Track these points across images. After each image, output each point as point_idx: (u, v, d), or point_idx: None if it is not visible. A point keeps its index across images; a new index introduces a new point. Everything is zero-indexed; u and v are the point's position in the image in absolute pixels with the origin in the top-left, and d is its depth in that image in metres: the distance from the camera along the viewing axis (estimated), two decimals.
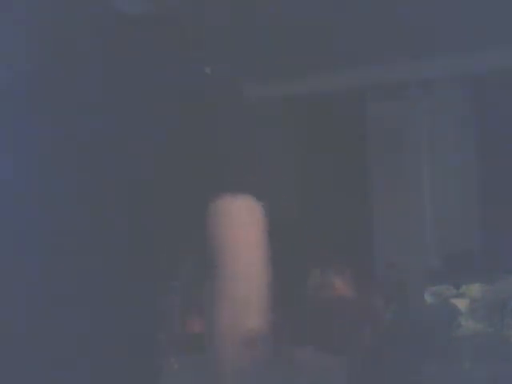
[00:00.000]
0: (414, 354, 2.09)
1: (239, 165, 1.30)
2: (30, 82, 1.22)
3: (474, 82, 3.91)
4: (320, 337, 2.36)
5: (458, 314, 2.16)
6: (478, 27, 3.42)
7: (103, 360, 1.14)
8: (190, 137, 1.30)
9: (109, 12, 1.35)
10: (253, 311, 1.22)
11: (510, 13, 3.13)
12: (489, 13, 3.21)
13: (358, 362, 2.16)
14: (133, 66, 1.39)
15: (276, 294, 1.26)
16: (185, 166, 1.28)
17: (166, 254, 1.29)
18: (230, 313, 1.18)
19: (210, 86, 1.37)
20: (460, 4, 3.17)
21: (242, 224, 1.23)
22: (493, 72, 3.73)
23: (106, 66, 1.38)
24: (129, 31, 1.42)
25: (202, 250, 1.25)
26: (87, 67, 1.31)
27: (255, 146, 1.41)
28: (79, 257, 1.17)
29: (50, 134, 1.21)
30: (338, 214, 3.79)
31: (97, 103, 1.34)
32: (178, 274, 1.43)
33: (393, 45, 3.68)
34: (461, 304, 2.19)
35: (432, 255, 3.88)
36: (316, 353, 2.24)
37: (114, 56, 1.40)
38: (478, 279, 2.27)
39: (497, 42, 3.58)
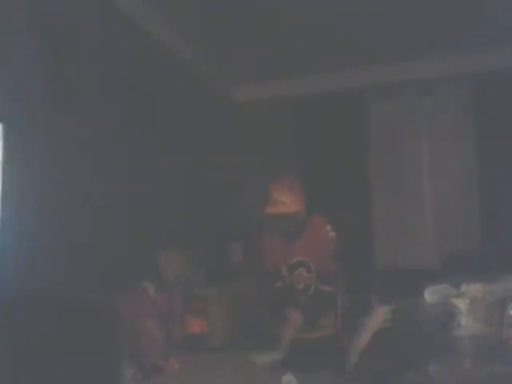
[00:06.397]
0: (414, 353, 2.09)
1: None
2: None
3: (474, 82, 3.92)
4: None
5: (458, 314, 2.16)
6: (478, 27, 3.43)
7: None
8: None
9: None
10: None
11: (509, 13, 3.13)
12: (488, 13, 3.22)
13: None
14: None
15: None
16: None
17: None
18: None
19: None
20: (459, 4, 3.17)
21: None
22: (493, 72, 3.74)
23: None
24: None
25: None
26: None
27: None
28: None
29: None
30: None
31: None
32: None
33: (394, 44, 3.69)
34: (461, 304, 2.19)
35: (432, 255, 3.88)
36: None
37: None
38: (478, 279, 2.27)
39: (497, 42, 3.59)
